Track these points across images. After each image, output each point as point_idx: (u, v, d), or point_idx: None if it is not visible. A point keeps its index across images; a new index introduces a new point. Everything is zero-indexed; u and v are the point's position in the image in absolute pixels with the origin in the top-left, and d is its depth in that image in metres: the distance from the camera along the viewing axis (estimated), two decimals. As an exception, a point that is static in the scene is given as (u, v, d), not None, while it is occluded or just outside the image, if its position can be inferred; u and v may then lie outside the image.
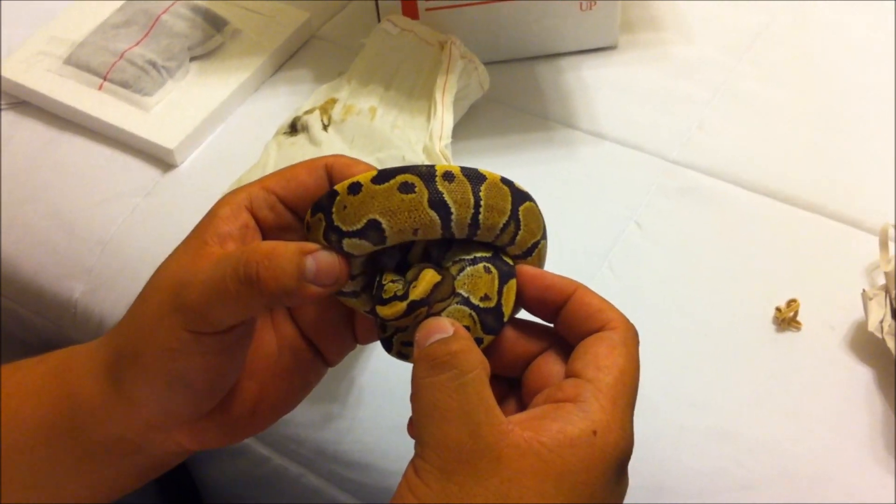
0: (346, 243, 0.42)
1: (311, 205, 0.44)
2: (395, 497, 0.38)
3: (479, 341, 0.43)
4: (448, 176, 0.41)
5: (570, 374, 0.41)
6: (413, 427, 0.40)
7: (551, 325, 0.45)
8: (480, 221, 0.42)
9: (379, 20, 0.87)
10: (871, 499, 0.62)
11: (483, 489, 0.37)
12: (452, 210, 0.41)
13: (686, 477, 0.65)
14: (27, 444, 0.46)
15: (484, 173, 0.43)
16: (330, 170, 0.45)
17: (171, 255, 0.45)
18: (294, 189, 0.45)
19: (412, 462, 0.39)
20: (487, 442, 0.37)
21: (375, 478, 0.69)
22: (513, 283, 0.44)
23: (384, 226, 0.41)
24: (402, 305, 0.41)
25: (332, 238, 0.42)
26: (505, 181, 0.44)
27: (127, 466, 0.47)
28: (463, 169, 0.42)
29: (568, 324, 0.43)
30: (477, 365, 0.39)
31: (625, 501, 0.60)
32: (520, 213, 0.44)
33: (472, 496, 0.37)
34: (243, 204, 0.45)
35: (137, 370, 0.43)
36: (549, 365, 0.44)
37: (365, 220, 0.41)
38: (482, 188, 0.42)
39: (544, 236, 0.47)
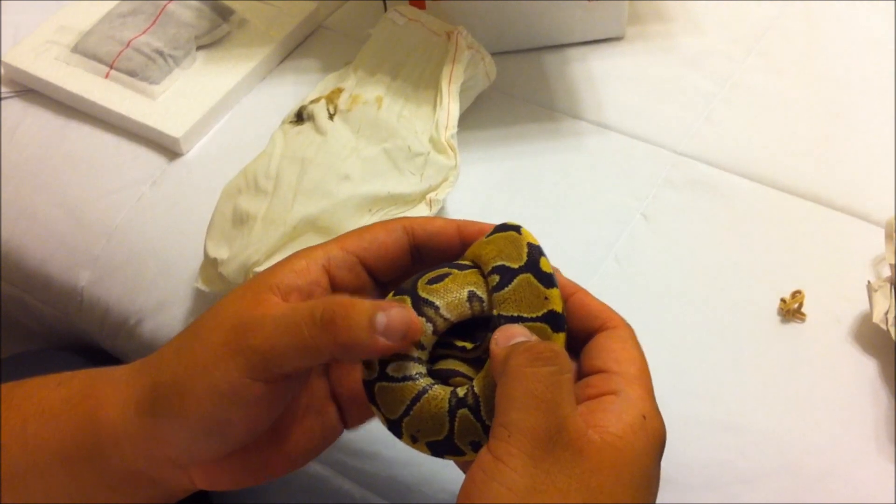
0: None
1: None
2: (472, 484, 0.39)
3: None
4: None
5: (589, 372, 0.43)
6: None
7: None
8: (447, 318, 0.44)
9: (386, 10, 0.87)
10: (876, 490, 0.62)
11: (566, 477, 0.38)
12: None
13: (691, 469, 0.65)
14: (46, 467, 0.46)
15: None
16: (409, 231, 0.47)
17: (228, 297, 0.44)
18: (376, 251, 0.46)
19: (488, 449, 0.40)
20: (571, 435, 0.39)
21: (381, 467, 0.69)
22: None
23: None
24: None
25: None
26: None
27: (139, 498, 0.47)
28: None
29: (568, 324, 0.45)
30: (571, 367, 0.41)
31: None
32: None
33: (557, 483, 0.38)
34: (320, 261, 0.45)
35: (176, 410, 0.42)
36: None
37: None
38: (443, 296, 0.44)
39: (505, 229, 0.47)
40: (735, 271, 0.74)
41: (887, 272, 0.71)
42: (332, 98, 0.80)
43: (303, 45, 0.95)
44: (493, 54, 0.84)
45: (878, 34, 0.92)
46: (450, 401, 0.43)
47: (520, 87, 0.89)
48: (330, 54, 0.93)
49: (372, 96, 0.80)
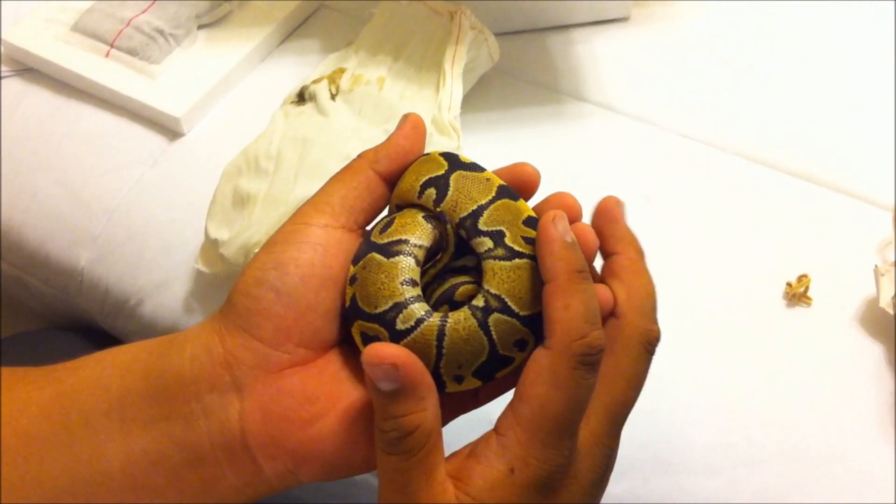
0: None
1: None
2: None
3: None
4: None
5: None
6: None
7: None
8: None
9: (388, -11, 0.86)
10: (878, 474, 0.62)
11: None
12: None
13: (695, 452, 0.64)
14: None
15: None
16: (374, 166, 0.46)
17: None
18: (356, 200, 0.46)
19: None
20: None
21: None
22: None
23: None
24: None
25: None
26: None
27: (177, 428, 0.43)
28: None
29: None
30: (423, 444, 0.38)
31: (634, 474, 0.59)
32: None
33: None
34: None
35: (274, 284, 0.42)
36: None
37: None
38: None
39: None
40: (740, 255, 0.74)
41: (893, 257, 0.70)
42: (333, 78, 0.80)
43: (304, 25, 0.94)
44: (497, 35, 0.83)
45: (882, 17, 0.91)
46: (475, 315, 0.40)
47: (523, 69, 0.88)
48: (332, 34, 0.92)
49: (374, 77, 0.79)
